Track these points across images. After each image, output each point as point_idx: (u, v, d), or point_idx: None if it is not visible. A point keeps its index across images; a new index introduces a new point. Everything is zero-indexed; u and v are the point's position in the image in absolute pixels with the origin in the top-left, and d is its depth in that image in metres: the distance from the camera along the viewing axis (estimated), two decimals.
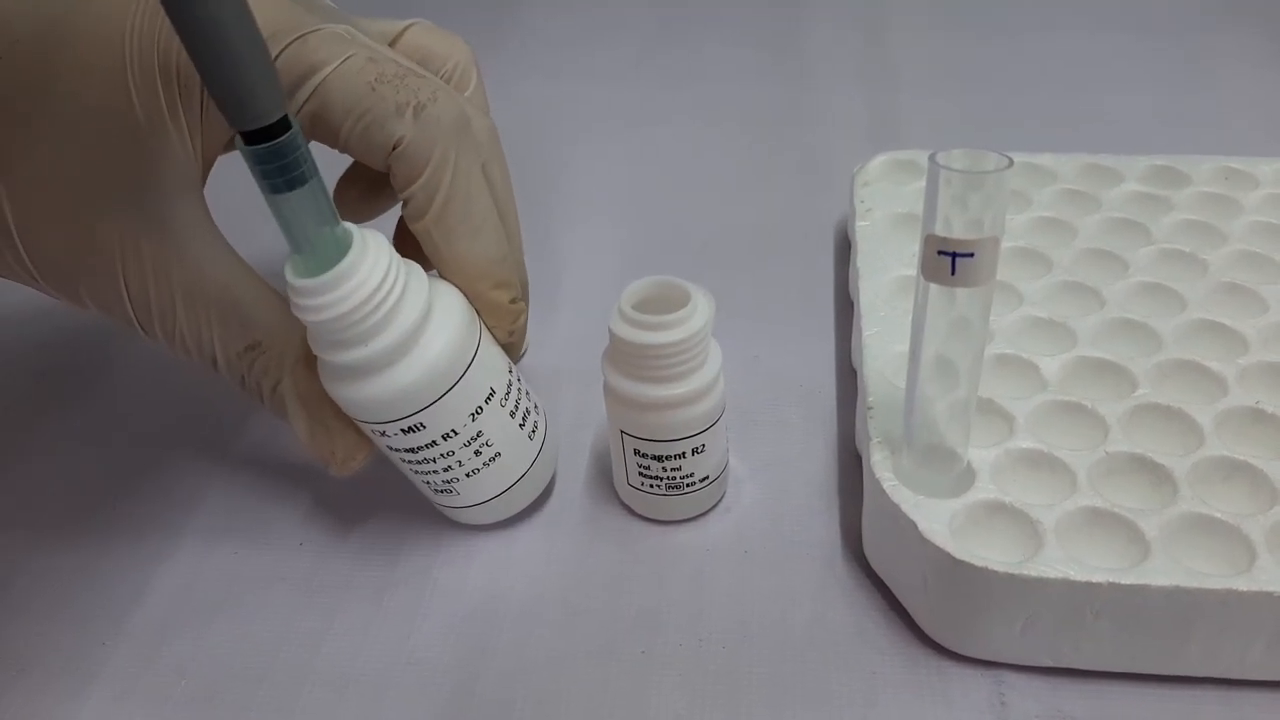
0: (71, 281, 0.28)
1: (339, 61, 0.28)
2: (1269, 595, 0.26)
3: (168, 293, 0.28)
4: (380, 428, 0.29)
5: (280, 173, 0.24)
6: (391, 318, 0.27)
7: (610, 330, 0.30)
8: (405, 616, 0.32)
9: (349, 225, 0.27)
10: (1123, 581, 0.26)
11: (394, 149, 0.29)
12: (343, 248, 0.26)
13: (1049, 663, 0.29)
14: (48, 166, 0.27)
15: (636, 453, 0.32)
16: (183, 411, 0.40)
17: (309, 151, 0.24)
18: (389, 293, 0.27)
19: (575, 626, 0.31)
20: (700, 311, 0.30)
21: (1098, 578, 0.26)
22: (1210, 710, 0.28)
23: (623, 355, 0.30)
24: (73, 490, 0.37)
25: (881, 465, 0.30)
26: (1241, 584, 0.26)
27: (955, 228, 0.24)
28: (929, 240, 0.25)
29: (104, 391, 0.42)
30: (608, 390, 0.31)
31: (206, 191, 0.29)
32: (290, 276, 0.26)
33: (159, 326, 0.29)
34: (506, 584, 0.33)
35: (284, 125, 0.23)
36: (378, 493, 0.36)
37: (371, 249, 0.27)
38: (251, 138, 0.23)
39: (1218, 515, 0.28)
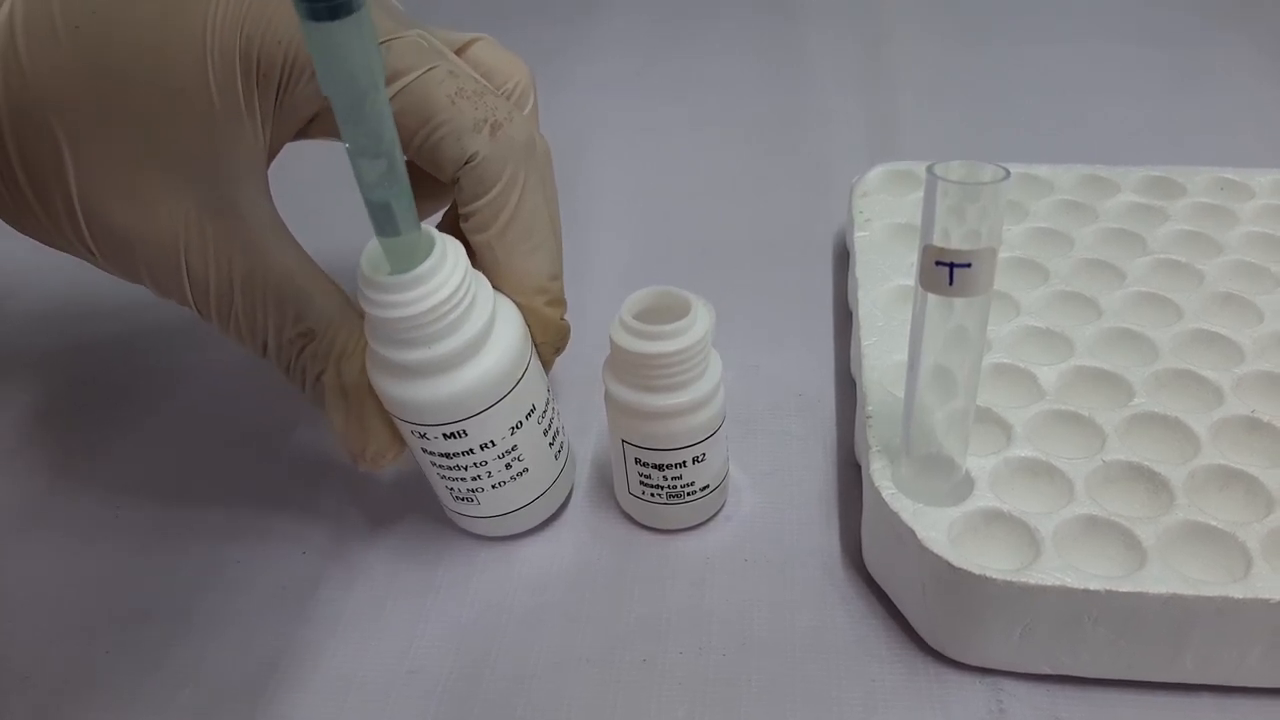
0: (130, 259, 0.28)
1: (422, 71, 0.29)
2: (1265, 602, 0.26)
3: (228, 276, 0.29)
4: (422, 429, 0.29)
5: None
6: (459, 324, 0.28)
7: (611, 339, 0.30)
8: (406, 625, 0.32)
9: (430, 229, 0.27)
10: (1120, 589, 0.26)
11: (466, 163, 0.29)
12: (424, 250, 0.26)
13: (1047, 670, 0.29)
14: (117, 143, 0.27)
15: (637, 461, 0.32)
16: (187, 421, 0.41)
17: None
18: (462, 299, 0.27)
19: (576, 635, 0.31)
20: (700, 321, 0.30)
21: (1095, 585, 0.26)
22: (1207, 717, 0.28)
23: (623, 364, 0.30)
24: (73, 499, 0.37)
25: (881, 474, 0.30)
26: (1237, 591, 0.26)
27: (953, 238, 0.25)
28: (927, 251, 0.25)
29: (107, 400, 0.42)
30: (608, 399, 0.31)
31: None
32: (369, 271, 0.27)
33: (215, 308, 0.29)
34: (507, 592, 0.33)
35: None
36: (380, 502, 0.36)
37: (450, 254, 0.27)
38: None
39: (1214, 523, 0.28)
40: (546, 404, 0.32)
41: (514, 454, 0.31)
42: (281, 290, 0.29)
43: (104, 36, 0.26)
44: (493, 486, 0.31)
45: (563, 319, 0.33)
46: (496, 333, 0.29)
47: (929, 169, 0.24)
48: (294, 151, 0.32)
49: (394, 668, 0.31)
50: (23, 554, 0.35)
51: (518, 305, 0.31)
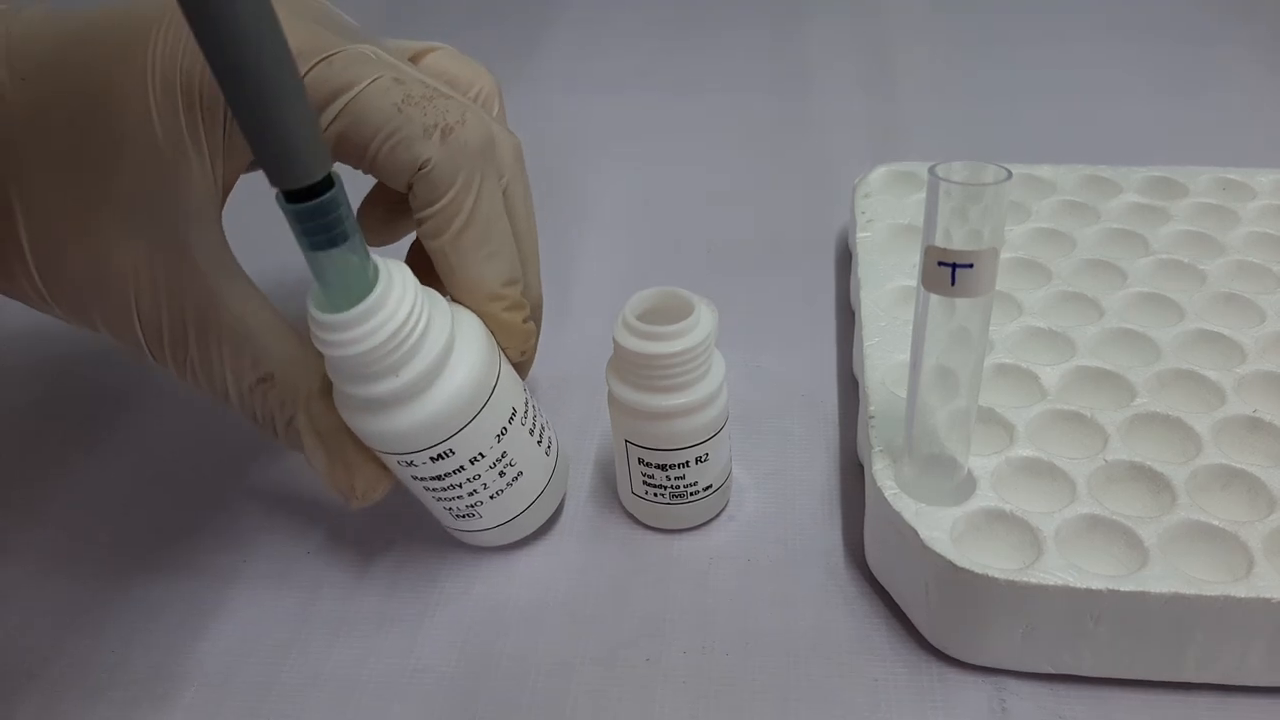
0: (84, 306, 0.28)
1: (366, 83, 0.28)
2: (1266, 601, 0.26)
3: (180, 320, 0.28)
4: (408, 458, 0.29)
5: (322, 230, 0.23)
6: (419, 347, 0.27)
7: (614, 340, 0.30)
8: (410, 626, 0.32)
9: (375, 258, 0.26)
10: (1122, 589, 0.26)
11: (419, 170, 0.29)
12: (370, 282, 0.26)
13: (1049, 669, 0.29)
14: (66, 189, 0.27)
15: (640, 461, 0.32)
16: (188, 421, 0.41)
17: (349, 207, 0.24)
18: (416, 322, 0.27)
19: (579, 634, 0.31)
20: (704, 322, 0.30)
21: (1097, 585, 0.27)
22: (1209, 715, 0.28)
23: (627, 365, 0.30)
24: (76, 499, 0.37)
25: (883, 474, 0.30)
26: (1239, 590, 0.26)
27: (955, 239, 0.25)
28: (929, 251, 0.25)
29: (108, 401, 0.42)
30: (612, 400, 0.32)
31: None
32: (315, 311, 0.26)
33: (170, 355, 0.29)
34: (511, 592, 0.33)
35: (327, 184, 0.23)
36: (383, 502, 0.36)
37: (397, 280, 0.26)
38: (293, 196, 0.22)
39: (1216, 523, 0.28)
40: (526, 404, 0.31)
41: (505, 461, 0.31)
42: (236, 334, 0.28)
43: (50, 86, 0.26)
44: (490, 497, 0.31)
45: (525, 322, 0.32)
46: (461, 345, 0.28)
47: (931, 170, 0.24)
48: (251, 181, 0.31)
49: (398, 667, 0.31)
50: (26, 553, 0.35)
51: (477, 312, 0.30)
